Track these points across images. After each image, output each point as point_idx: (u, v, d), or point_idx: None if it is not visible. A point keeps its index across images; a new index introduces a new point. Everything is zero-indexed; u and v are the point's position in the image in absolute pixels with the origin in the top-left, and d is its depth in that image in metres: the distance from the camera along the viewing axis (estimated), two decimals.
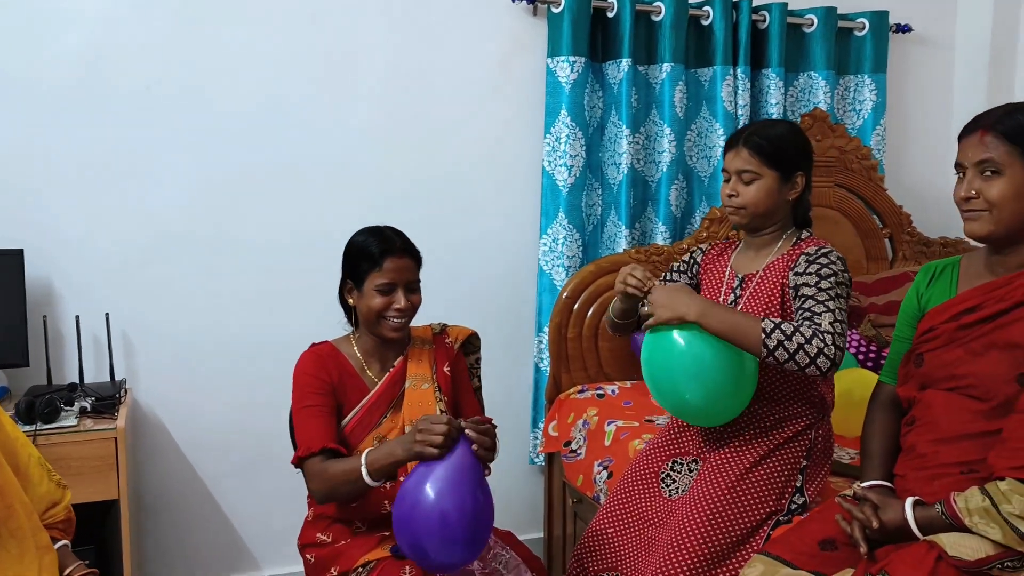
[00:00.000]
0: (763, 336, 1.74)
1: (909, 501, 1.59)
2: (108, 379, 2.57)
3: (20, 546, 1.52)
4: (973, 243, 3.33)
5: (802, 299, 1.82)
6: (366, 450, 1.78)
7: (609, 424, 2.60)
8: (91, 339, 2.60)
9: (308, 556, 1.95)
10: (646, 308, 1.88)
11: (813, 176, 3.07)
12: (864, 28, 3.32)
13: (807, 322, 1.75)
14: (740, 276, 2.04)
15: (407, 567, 1.84)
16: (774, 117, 3.20)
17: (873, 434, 1.83)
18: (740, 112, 3.15)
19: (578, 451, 2.70)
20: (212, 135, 2.71)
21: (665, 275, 2.23)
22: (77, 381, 2.52)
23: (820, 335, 1.72)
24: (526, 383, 3.12)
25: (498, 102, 3.02)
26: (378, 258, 1.90)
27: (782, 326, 1.74)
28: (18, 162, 2.54)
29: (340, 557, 1.89)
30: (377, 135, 2.88)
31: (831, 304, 1.78)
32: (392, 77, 2.89)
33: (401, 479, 1.84)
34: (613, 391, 2.85)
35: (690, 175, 3.21)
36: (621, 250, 3.04)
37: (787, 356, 1.72)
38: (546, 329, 3.04)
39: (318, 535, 1.95)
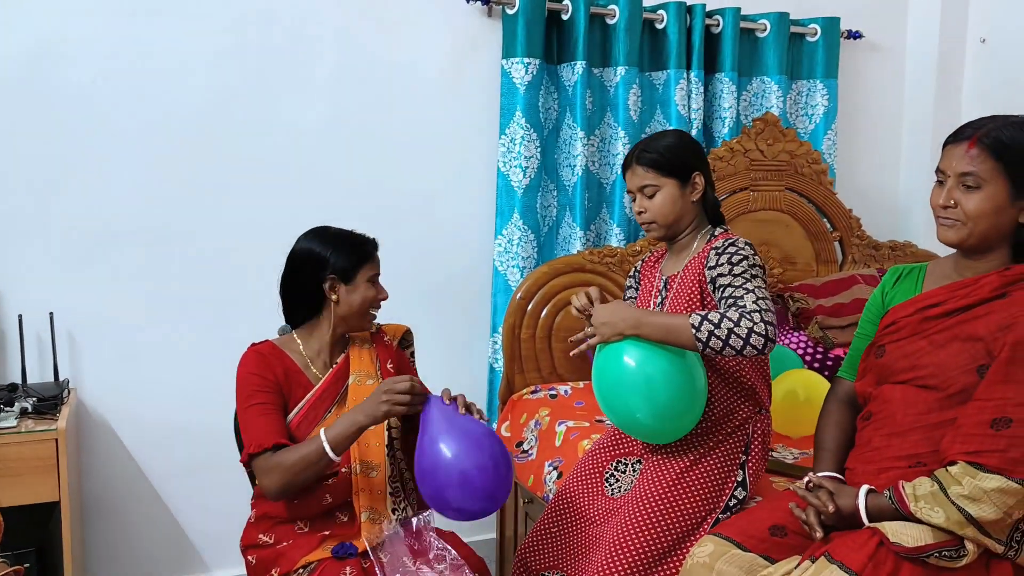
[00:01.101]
0: (693, 330, 1.77)
1: (863, 488, 1.64)
2: (52, 379, 2.53)
3: None
4: (922, 247, 3.41)
5: (721, 289, 1.87)
6: (322, 428, 1.80)
7: (560, 424, 2.61)
8: (35, 338, 2.56)
9: (250, 558, 1.94)
10: (589, 329, 1.92)
11: (764, 179, 3.17)
12: (816, 34, 3.36)
13: (731, 307, 1.79)
14: (664, 279, 2.10)
15: (347, 568, 1.84)
16: (726, 120, 3.24)
17: (827, 427, 1.89)
18: (693, 116, 3.18)
19: (529, 451, 2.70)
20: (158, 131, 2.68)
21: (625, 293, 2.29)
22: (19, 381, 2.48)
23: (747, 315, 1.75)
24: (481, 383, 3.12)
25: (453, 102, 3.02)
26: (370, 251, 1.98)
27: (708, 316, 1.77)
28: None
29: (281, 558, 1.88)
30: (329, 132, 2.87)
31: (749, 285, 1.82)
32: (345, 74, 2.87)
33: (343, 469, 1.90)
34: (566, 391, 2.86)
35: None
36: (576, 251, 3.05)
37: (721, 343, 1.75)
38: (500, 330, 3.04)
39: (260, 536, 1.94)
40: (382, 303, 2.01)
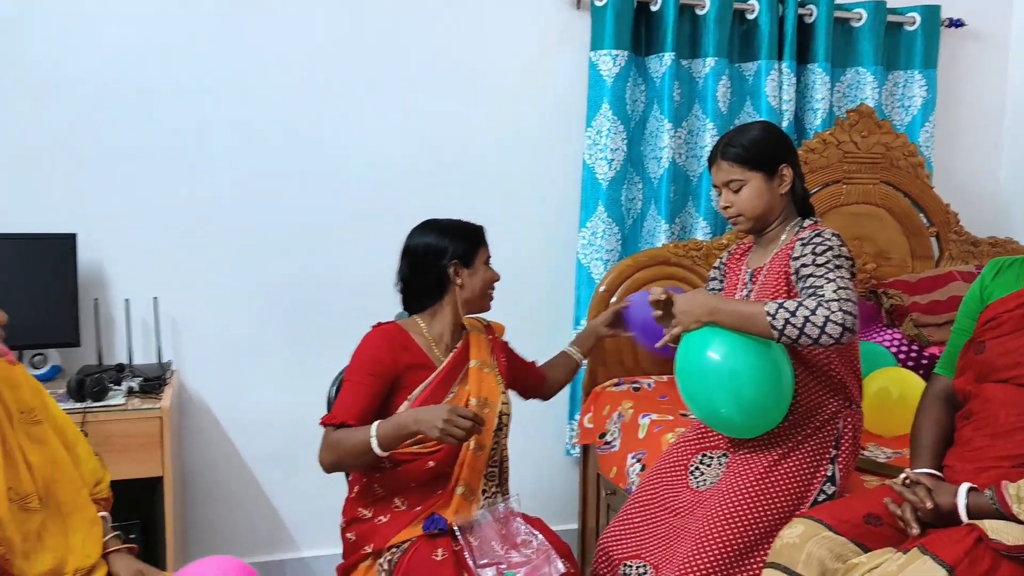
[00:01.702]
0: (769, 318, 1.75)
1: (964, 486, 1.61)
2: (155, 360, 2.65)
3: (67, 520, 1.58)
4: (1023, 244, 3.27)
5: (804, 279, 1.85)
6: (376, 422, 1.85)
7: (643, 417, 2.60)
8: (140, 322, 2.68)
9: (349, 535, 2.00)
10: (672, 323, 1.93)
11: (858, 172, 3.09)
12: (915, 23, 3.26)
13: (810, 296, 1.77)
14: (750, 271, 2.08)
15: (439, 549, 1.88)
16: (819, 112, 3.17)
17: (925, 424, 1.85)
18: (784, 107, 3.12)
19: (612, 443, 2.71)
20: (257, 123, 2.78)
21: (707, 285, 2.28)
22: (126, 362, 2.61)
23: (824, 304, 1.73)
24: None
25: (539, 94, 3.04)
26: (482, 235, 2.09)
27: (785, 304, 1.76)
28: (71, 151, 2.63)
29: (376, 535, 1.94)
30: (417, 126, 2.93)
31: (831, 275, 1.80)
32: (433, 68, 2.92)
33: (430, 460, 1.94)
34: (649, 385, 2.85)
35: None
36: (660, 244, 3.04)
37: (797, 332, 1.73)
38: (583, 322, 3.05)
39: (360, 510, 1.99)
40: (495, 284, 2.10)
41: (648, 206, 3.12)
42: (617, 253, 3.05)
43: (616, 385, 2.87)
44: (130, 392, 2.40)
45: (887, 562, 1.53)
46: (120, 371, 2.45)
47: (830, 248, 1.85)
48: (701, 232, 3.11)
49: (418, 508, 1.96)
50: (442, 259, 2.01)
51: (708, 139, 3.06)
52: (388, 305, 2.17)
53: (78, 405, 2.28)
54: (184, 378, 2.78)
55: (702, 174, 3.10)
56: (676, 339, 1.94)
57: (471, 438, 1.83)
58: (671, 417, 2.58)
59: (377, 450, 1.84)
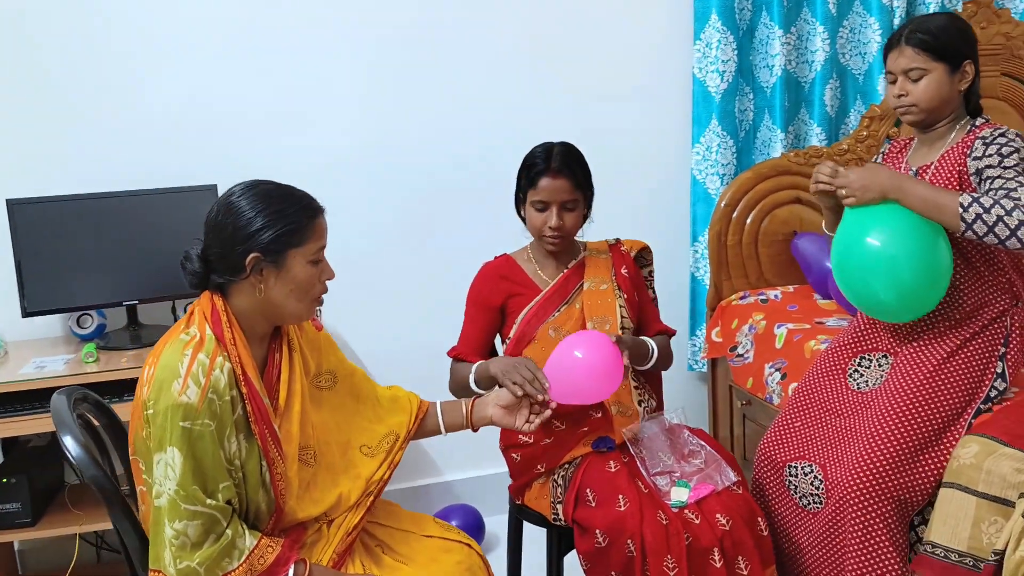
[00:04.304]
0: (960, 210, 1.74)
1: None
2: None
3: (336, 477, 1.68)
4: None
5: (989, 180, 1.81)
6: (476, 364, 1.98)
7: (779, 327, 2.63)
8: None
9: (514, 455, 2.08)
10: (843, 191, 1.89)
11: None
12: None
13: (1005, 197, 1.74)
14: (914, 169, 2.04)
15: (611, 462, 1.95)
16: (931, 10, 3.07)
17: None
18: (896, 4, 3.03)
19: (745, 355, 2.74)
20: (373, 67, 2.82)
21: None
22: None
23: (1021, 207, 1.71)
24: (682, 292, 3.16)
25: (644, 9, 2.99)
26: (534, 177, 2.00)
27: (980, 199, 1.73)
28: (209, 106, 2.71)
29: (545, 455, 2.01)
30: (525, 52, 2.92)
31: (1022, 179, 1.76)
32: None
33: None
34: (776, 296, 2.86)
35: (844, 74, 3.13)
36: (778, 154, 3.01)
37: (986, 229, 1.72)
38: (701, 238, 3.06)
39: (520, 437, 2.06)
40: (558, 228, 2.00)
41: (761, 116, 3.08)
42: (733, 167, 3.03)
43: (742, 299, 2.89)
44: None
45: None
46: None
47: (1016, 150, 1.81)
48: (816, 139, 3.07)
49: (584, 428, 2.03)
50: (519, 188, 2.09)
51: (819, 43, 3.00)
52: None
53: None
54: (320, 317, 2.87)
55: (814, 80, 3.04)
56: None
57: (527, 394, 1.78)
58: (808, 325, 2.60)
59: (475, 387, 1.97)
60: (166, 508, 1.41)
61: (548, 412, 1.78)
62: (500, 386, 1.84)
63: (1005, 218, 1.70)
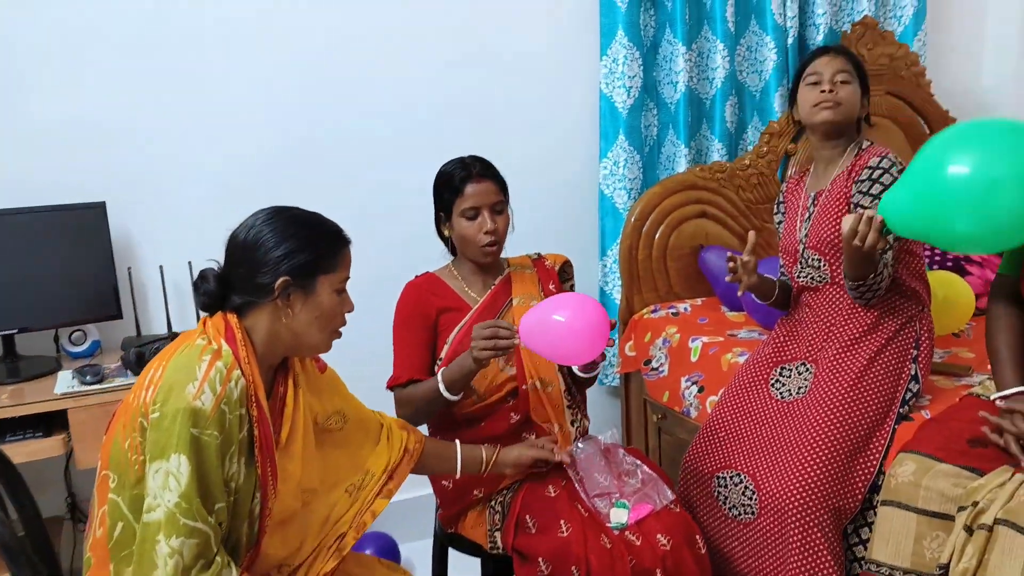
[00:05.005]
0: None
1: None
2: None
3: (307, 528, 1.58)
4: None
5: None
6: (440, 370, 1.88)
7: (694, 341, 2.65)
8: (173, 289, 2.59)
9: (444, 483, 2.00)
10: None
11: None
12: None
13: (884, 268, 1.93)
14: (812, 194, 2.17)
15: (549, 486, 1.91)
16: (820, 27, 3.19)
17: (999, 332, 1.82)
18: (789, 24, 3.13)
19: (660, 369, 2.76)
20: (284, 81, 2.68)
21: (775, 220, 2.35)
22: (164, 331, 2.53)
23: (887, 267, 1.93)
24: None
25: (551, 24, 2.98)
26: (459, 184, 1.97)
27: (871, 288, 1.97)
28: (94, 117, 2.49)
29: (482, 480, 1.94)
30: (433, 66, 2.85)
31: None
32: (448, 5, 2.84)
33: (524, 386, 1.97)
34: (686, 309, 2.90)
35: (742, 91, 3.21)
36: (682, 169, 3.06)
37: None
38: (609, 252, 3.07)
39: None
40: (493, 232, 1.97)
41: (665, 132, 3.12)
42: (640, 181, 3.06)
43: (654, 312, 2.91)
44: None
45: (1010, 482, 1.53)
46: (174, 338, 2.35)
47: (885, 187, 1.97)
48: (717, 154, 3.13)
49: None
50: (440, 207, 2.05)
51: (719, 60, 3.06)
52: (432, 258, 2.15)
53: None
54: None
55: (715, 96, 3.11)
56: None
57: (501, 349, 1.78)
58: (721, 338, 2.63)
59: (447, 395, 1.86)
60: (162, 522, 1.29)
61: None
62: (478, 362, 1.79)
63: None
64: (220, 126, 2.63)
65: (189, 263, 2.54)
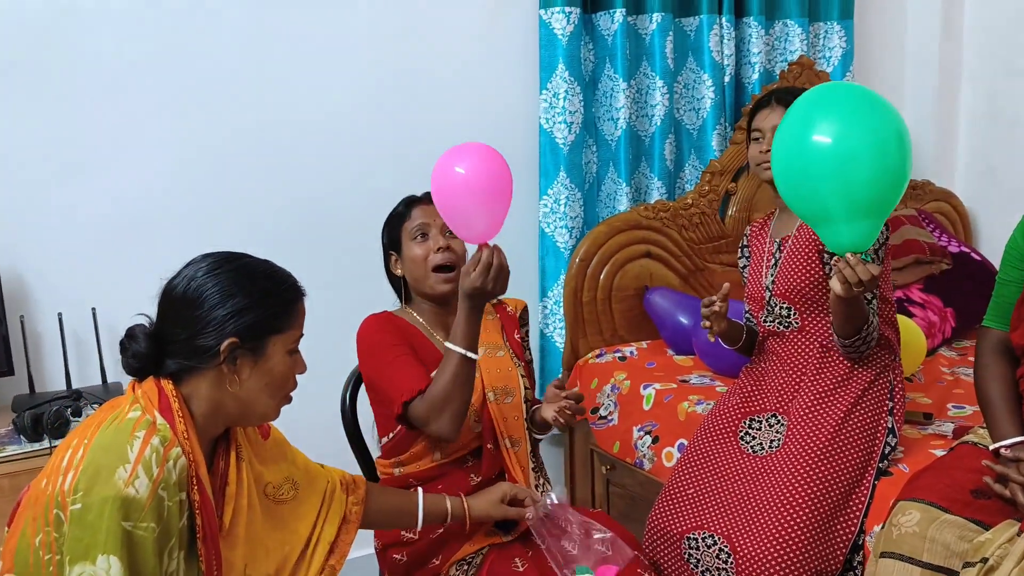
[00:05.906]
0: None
1: None
2: (100, 382, 2.28)
3: None
4: (939, 184, 3.46)
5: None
6: (447, 342, 1.67)
7: (646, 388, 2.53)
8: (74, 339, 2.30)
9: (396, 556, 1.80)
10: None
11: None
12: None
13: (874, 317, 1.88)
14: (777, 241, 2.08)
15: (516, 559, 1.74)
16: (756, 67, 3.18)
17: (990, 382, 1.79)
18: (727, 62, 3.10)
19: (609, 417, 2.62)
20: (185, 105, 2.43)
21: (742, 272, 2.25)
22: (63, 387, 2.24)
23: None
24: (532, 351, 3.00)
25: (490, 57, 2.85)
26: (404, 209, 1.88)
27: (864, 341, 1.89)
28: None
29: (441, 547, 1.77)
30: (364, 95, 2.67)
31: None
32: (379, 32, 2.67)
33: (489, 446, 1.83)
34: (632, 353, 2.78)
35: (679, 129, 3.15)
36: (623, 207, 2.96)
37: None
38: (550, 294, 2.94)
39: (403, 533, 1.79)
40: (446, 248, 1.83)
41: (606, 169, 3.02)
42: (581, 220, 2.94)
43: (599, 356, 2.78)
44: None
45: (1021, 539, 1.46)
46: (76, 399, 2.08)
47: None
48: (656, 192, 3.05)
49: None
50: (390, 245, 1.94)
51: (659, 97, 3.00)
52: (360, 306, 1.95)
53: (36, 446, 1.92)
54: None
55: (654, 133, 3.03)
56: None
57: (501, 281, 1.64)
58: (674, 385, 2.52)
59: (470, 354, 1.65)
60: None
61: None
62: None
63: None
64: (114, 151, 2.36)
65: (93, 309, 2.26)
